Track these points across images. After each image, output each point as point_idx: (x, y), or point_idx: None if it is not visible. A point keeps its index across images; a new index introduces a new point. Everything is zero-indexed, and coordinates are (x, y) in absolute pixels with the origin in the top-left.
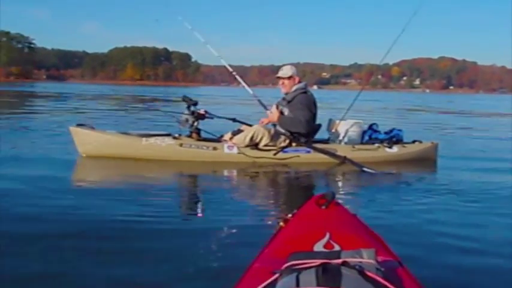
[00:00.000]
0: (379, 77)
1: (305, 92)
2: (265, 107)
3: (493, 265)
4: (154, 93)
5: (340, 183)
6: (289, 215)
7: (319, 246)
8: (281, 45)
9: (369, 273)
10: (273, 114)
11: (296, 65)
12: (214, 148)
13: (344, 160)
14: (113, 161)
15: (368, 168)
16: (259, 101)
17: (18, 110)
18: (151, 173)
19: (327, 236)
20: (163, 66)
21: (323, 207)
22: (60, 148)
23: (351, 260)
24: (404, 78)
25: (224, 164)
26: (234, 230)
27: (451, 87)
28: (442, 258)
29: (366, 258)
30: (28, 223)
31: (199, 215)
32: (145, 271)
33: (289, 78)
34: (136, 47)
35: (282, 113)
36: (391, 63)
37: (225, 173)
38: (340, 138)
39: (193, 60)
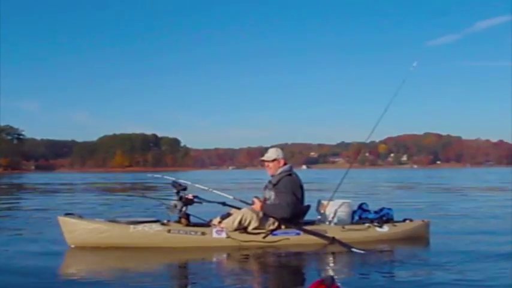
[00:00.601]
0: (367, 154)
1: (290, 175)
2: (246, 203)
3: None
4: (143, 178)
5: (332, 265)
6: None
7: None
8: (269, 127)
9: None
10: (256, 205)
11: (284, 146)
12: (203, 233)
13: (332, 241)
14: (102, 251)
15: (356, 248)
16: (240, 200)
17: (5, 201)
18: (141, 263)
19: None
20: (153, 151)
21: None
22: (48, 239)
23: None
24: (392, 154)
25: (213, 249)
26: None
27: (438, 162)
28: None
29: None
30: None
31: None
32: None
33: (273, 161)
34: (125, 134)
35: (265, 199)
36: (377, 140)
37: (215, 259)
38: (330, 218)
39: (182, 144)
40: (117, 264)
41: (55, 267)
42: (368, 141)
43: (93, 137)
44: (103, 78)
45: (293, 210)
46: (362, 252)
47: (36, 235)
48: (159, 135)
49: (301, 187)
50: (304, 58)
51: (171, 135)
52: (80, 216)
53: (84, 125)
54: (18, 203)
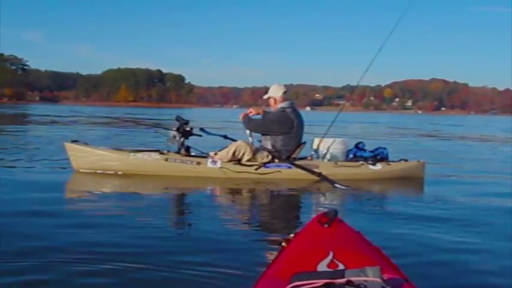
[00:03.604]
0: (372, 98)
1: (283, 110)
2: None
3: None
4: (148, 114)
5: (322, 199)
6: (291, 235)
7: (322, 266)
8: (274, 66)
9: None
10: (241, 114)
11: (289, 87)
12: (198, 163)
13: (319, 176)
14: (104, 175)
15: (340, 184)
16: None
17: (14, 130)
18: (138, 188)
19: (331, 255)
20: (157, 87)
21: (326, 225)
22: (55, 163)
23: (356, 278)
24: (397, 99)
25: (208, 179)
26: (232, 252)
27: (443, 109)
28: (450, 275)
29: (371, 276)
30: (24, 239)
31: (191, 236)
32: None
33: (269, 98)
34: (129, 69)
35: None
36: (383, 84)
37: (209, 189)
38: (323, 155)
39: (186, 81)
40: (117, 189)
41: (60, 189)
42: (360, 83)
43: (97, 70)
44: (109, 13)
45: (265, 131)
46: (344, 188)
47: (44, 159)
48: (164, 71)
49: (297, 123)
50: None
51: (175, 72)
52: (86, 143)
53: (88, 57)
54: (25, 131)
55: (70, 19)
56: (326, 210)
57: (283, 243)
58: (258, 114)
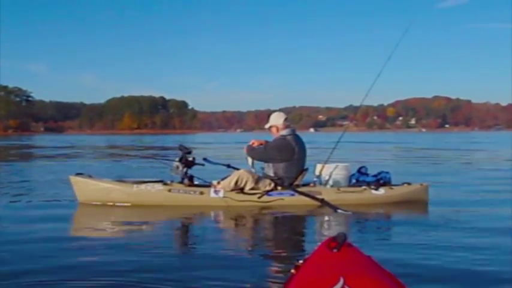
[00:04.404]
0: (375, 117)
1: (284, 138)
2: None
3: None
4: (152, 141)
5: (326, 226)
6: (300, 261)
7: None
8: (276, 89)
9: None
10: (245, 146)
11: (292, 109)
12: (201, 193)
13: (322, 202)
14: (108, 207)
15: (342, 210)
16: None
17: (18, 162)
18: (143, 219)
19: (341, 281)
20: (161, 114)
21: (335, 250)
22: (61, 196)
23: None
24: (400, 118)
25: (211, 208)
26: (240, 282)
27: (447, 126)
28: None
29: None
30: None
31: (196, 264)
32: None
33: (270, 127)
34: (133, 96)
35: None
36: (385, 103)
37: (213, 218)
38: (325, 181)
39: (190, 107)
40: (122, 219)
41: (68, 221)
42: (362, 104)
43: (101, 99)
44: (111, 41)
45: (269, 159)
46: (347, 213)
47: (50, 192)
48: (167, 97)
49: (298, 150)
50: (313, 22)
51: (178, 98)
52: (90, 176)
53: (92, 87)
54: (30, 164)
55: (73, 48)
56: (335, 234)
57: (293, 270)
58: (261, 144)
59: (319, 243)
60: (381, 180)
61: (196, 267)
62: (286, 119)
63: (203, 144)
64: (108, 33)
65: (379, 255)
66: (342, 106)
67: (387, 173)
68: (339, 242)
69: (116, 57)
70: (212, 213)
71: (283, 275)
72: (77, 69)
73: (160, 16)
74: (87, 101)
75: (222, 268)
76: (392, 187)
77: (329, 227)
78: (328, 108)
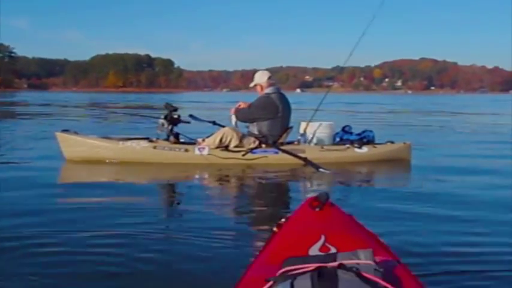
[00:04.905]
0: (362, 79)
1: (268, 96)
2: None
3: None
4: (137, 99)
5: (309, 184)
6: (283, 220)
7: (314, 250)
8: (263, 49)
9: (366, 275)
10: (232, 108)
11: (279, 69)
12: (186, 150)
13: (305, 161)
14: (95, 164)
15: (324, 168)
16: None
17: (1, 119)
18: (128, 177)
19: (322, 238)
20: (146, 72)
21: (317, 209)
22: (46, 151)
23: (348, 262)
24: (386, 80)
25: (196, 165)
26: (223, 239)
27: (433, 88)
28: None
29: (363, 259)
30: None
31: (182, 223)
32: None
33: (255, 86)
34: (118, 54)
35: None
36: (372, 65)
37: (198, 175)
38: (309, 139)
39: (175, 66)
40: (107, 177)
41: (53, 178)
42: (346, 65)
43: (85, 56)
44: None
45: (253, 118)
46: (329, 172)
47: (35, 149)
48: (153, 55)
49: (282, 108)
50: None
51: (164, 56)
52: (76, 132)
53: (76, 44)
54: (14, 121)
55: (57, 5)
56: (317, 193)
57: (275, 228)
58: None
59: (302, 202)
60: (365, 139)
61: (180, 225)
62: (270, 78)
63: (189, 103)
64: None
65: (360, 214)
66: (329, 67)
67: (371, 131)
68: (321, 201)
69: (101, 15)
70: (197, 171)
71: (266, 233)
72: (61, 26)
73: None
74: (72, 57)
75: (206, 228)
76: (376, 146)
77: (312, 185)
78: (315, 69)
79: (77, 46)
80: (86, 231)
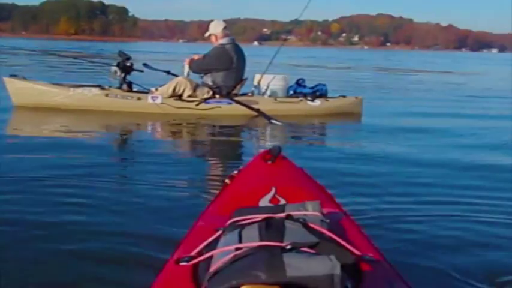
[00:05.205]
0: (319, 33)
1: (222, 46)
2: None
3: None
4: (90, 48)
5: (262, 136)
6: (235, 172)
7: (264, 202)
8: None
9: (312, 225)
10: (186, 59)
11: (236, 21)
12: (139, 98)
13: (258, 112)
14: (44, 110)
15: (276, 120)
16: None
17: None
18: (78, 124)
19: (273, 190)
20: (99, 20)
21: (269, 162)
22: None
23: (295, 213)
24: (344, 34)
25: (149, 114)
26: (176, 189)
27: (388, 44)
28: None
29: (311, 210)
30: None
31: (134, 174)
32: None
33: (210, 36)
34: (70, 0)
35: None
36: (330, 19)
37: (150, 125)
38: (263, 91)
39: (130, 14)
40: (58, 125)
41: (3, 124)
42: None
43: (35, 1)
44: None
45: (207, 68)
46: (281, 123)
47: None
48: (106, 2)
49: (236, 59)
50: None
51: (118, 4)
52: (24, 78)
53: None
54: None
55: None
56: (270, 147)
57: (227, 180)
58: None
59: (255, 155)
60: (317, 92)
61: (132, 177)
62: (225, 28)
63: (144, 53)
64: None
65: (310, 166)
66: (288, 20)
67: (324, 85)
68: (273, 155)
69: None
70: (149, 120)
71: (218, 184)
72: None
73: None
74: (20, 2)
75: (159, 179)
76: (328, 99)
77: (265, 137)
78: (273, 22)
79: None
80: (38, 179)
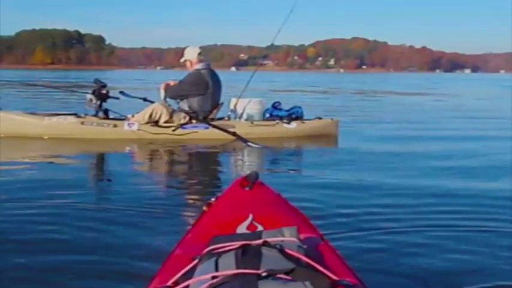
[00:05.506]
0: (296, 58)
1: (198, 71)
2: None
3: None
4: (67, 77)
5: (240, 161)
6: (213, 199)
7: (242, 229)
8: (198, 26)
9: (289, 251)
10: (161, 84)
11: (213, 47)
12: (115, 125)
13: (234, 135)
14: (20, 140)
15: (253, 143)
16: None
17: None
18: (53, 151)
19: (250, 217)
20: (76, 49)
21: (247, 188)
22: None
23: (272, 239)
24: (320, 58)
25: (126, 141)
26: (153, 218)
27: (364, 67)
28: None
29: (288, 236)
30: None
31: (108, 201)
32: (45, 263)
33: (185, 62)
34: (45, 30)
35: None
36: (306, 44)
37: (128, 151)
38: (239, 115)
39: (107, 42)
40: (32, 154)
41: None
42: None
43: (10, 31)
44: None
45: (183, 94)
46: (258, 146)
47: None
48: (83, 32)
49: (212, 84)
50: None
51: (95, 33)
52: None
53: (0, 18)
54: None
55: None
56: (247, 173)
57: (204, 208)
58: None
59: (233, 182)
60: (293, 115)
61: (107, 204)
62: (200, 53)
63: (121, 81)
64: None
65: (288, 191)
66: (264, 45)
67: (299, 107)
68: (250, 181)
69: None
70: (126, 147)
71: (196, 211)
72: None
73: None
74: None
75: (136, 205)
76: (304, 121)
77: (243, 161)
78: (250, 47)
79: (1, 20)
80: (17, 204)
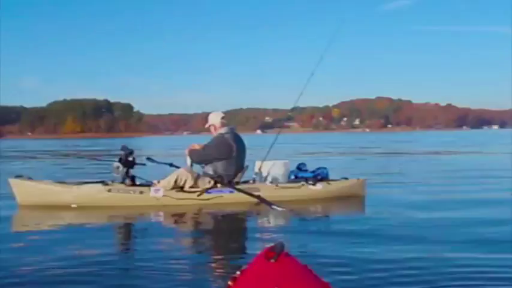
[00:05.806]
0: (321, 119)
1: (222, 136)
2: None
3: None
4: (97, 145)
5: (265, 225)
6: (238, 272)
7: None
8: (223, 90)
9: None
10: (187, 149)
11: (239, 111)
12: (141, 192)
13: (259, 199)
14: (49, 209)
15: (277, 206)
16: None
17: None
18: (83, 221)
19: None
20: (105, 117)
21: (272, 260)
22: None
23: None
24: (345, 119)
25: (151, 207)
26: None
27: (389, 126)
28: None
29: None
30: None
31: (134, 274)
32: None
33: (209, 127)
34: (76, 100)
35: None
36: (331, 105)
37: (153, 217)
38: (264, 177)
39: (135, 110)
40: (61, 222)
41: (7, 223)
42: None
43: (42, 102)
44: (52, 43)
45: (208, 159)
46: (282, 210)
47: None
48: (111, 100)
49: (236, 148)
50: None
51: (123, 101)
52: (29, 178)
53: (33, 90)
54: None
55: (11, 50)
56: (273, 244)
57: (230, 282)
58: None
59: (258, 253)
60: (319, 176)
61: (134, 273)
62: (223, 118)
63: (149, 148)
64: (50, 35)
65: (315, 262)
66: (289, 108)
67: (325, 168)
68: (276, 252)
69: (57, 60)
70: (152, 213)
71: (221, 281)
72: (17, 72)
73: (102, 16)
74: (28, 104)
75: (160, 276)
76: (330, 182)
77: (268, 225)
78: (275, 110)
79: (34, 92)
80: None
